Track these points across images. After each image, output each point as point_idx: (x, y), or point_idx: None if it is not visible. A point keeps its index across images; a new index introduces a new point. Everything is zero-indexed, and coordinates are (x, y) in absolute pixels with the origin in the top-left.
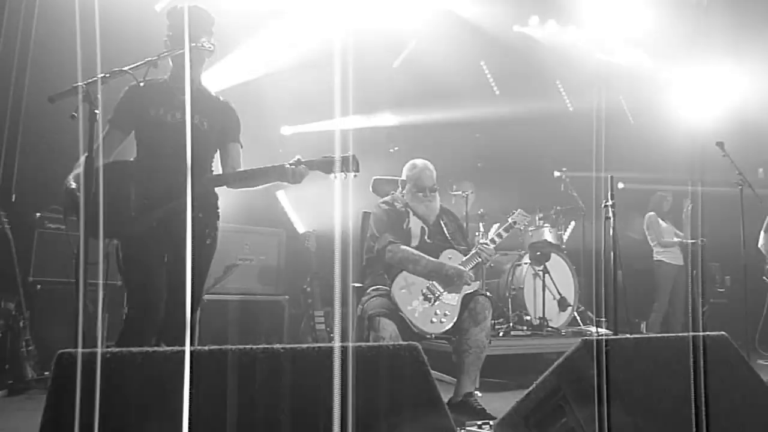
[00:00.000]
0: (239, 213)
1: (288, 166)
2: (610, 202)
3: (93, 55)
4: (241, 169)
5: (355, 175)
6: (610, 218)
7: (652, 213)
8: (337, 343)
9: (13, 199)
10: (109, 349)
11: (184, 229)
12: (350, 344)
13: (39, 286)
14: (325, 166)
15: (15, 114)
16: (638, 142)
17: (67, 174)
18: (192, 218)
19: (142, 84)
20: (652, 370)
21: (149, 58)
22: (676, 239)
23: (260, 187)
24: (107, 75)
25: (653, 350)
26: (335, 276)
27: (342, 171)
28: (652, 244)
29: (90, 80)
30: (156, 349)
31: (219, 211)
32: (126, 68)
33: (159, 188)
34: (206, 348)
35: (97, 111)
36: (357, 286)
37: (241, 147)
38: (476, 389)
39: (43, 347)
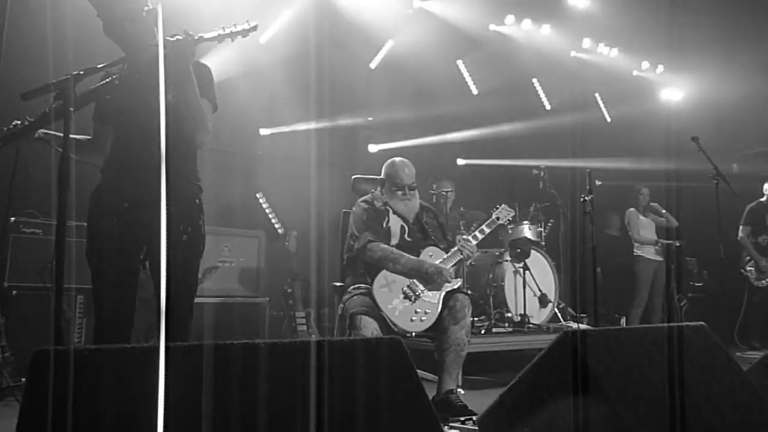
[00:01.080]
0: (218, 215)
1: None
2: (588, 197)
3: (66, 53)
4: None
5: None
6: (588, 213)
7: (632, 209)
8: (313, 337)
9: None
10: (85, 346)
11: (157, 224)
12: (329, 338)
13: (15, 292)
14: (215, 36)
15: None
16: (614, 138)
17: (45, 177)
18: (166, 212)
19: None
20: (632, 361)
21: (121, 56)
22: (653, 237)
23: None
24: (81, 72)
25: (633, 341)
26: (311, 271)
27: (233, 34)
28: (633, 240)
29: (63, 77)
30: (133, 345)
31: (200, 203)
32: (100, 65)
33: (129, 180)
34: (182, 344)
35: (71, 108)
36: (338, 286)
37: (215, 108)
38: (458, 386)
39: (20, 354)
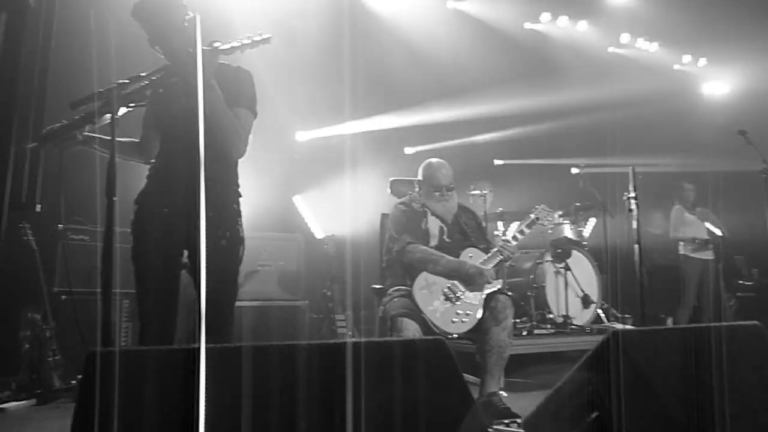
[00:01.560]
0: (257, 219)
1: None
2: (632, 195)
3: (110, 63)
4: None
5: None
6: (632, 210)
7: (678, 206)
8: (350, 339)
9: (38, 210)
10: (133, 348)
11: (196, 229)
12: (373, 339)
13: (64, 297)
14: (232, 48)
15: (38, 124)
16: (657, 134)
17: (91, 184)
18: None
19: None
20: (682, 361)
21: (166, 65)
22: (699, 237)
23: None
24: (126, 81)
25: (683, 341)
26: (347, 275)
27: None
28: (672, 238)
29: (109, 86)
30: (176, 347)
31: (238, 208)
32: (143, 74)
33: (170, 186)
34: (222, 345)
35: (117, 116)
36: (377, 288)
37: (255, 115)
38: (500, 389)
39: (68, 357)
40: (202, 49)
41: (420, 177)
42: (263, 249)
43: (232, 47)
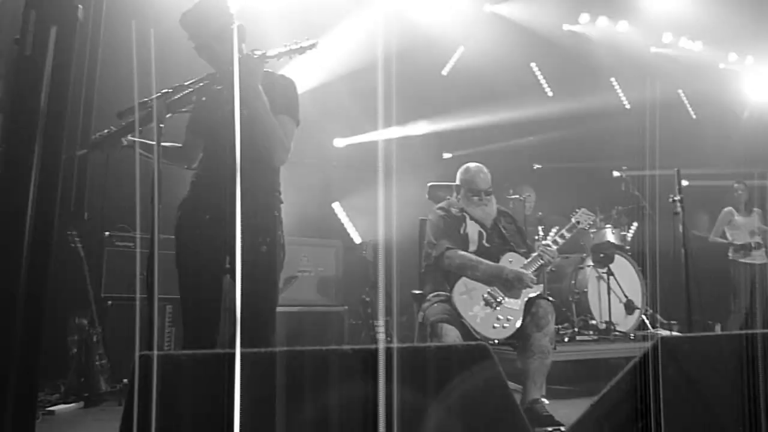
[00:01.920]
0: (296, 225)
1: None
2: (678, 197)
3: (151, 73)
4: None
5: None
6: (678, 213)
7: (728, 209)
8: (387, 344)
9: (86, 218)
10: (179, 352)
11: (241, 234)
12: (415, 345)
13: (110, 302)
14: (279, 54)
15: (85, 134)
16: (701, 136)
17: (131, 192)
18: (242, 222)
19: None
20: (734, 368)
21: (210, 73)
22: (750, 240)
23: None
24: (170, 90)
25: (735, 348)
26: (379, 280)
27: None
28: (727, 241)
29: (155, 95)
30: (218, 351)
31: (279, 215)
32: (187, 83)
33: (212, 193)
34: (261, 350)
35: (162, 125)
36: (416, 294)
37: (297, 123)
38: (543, 396)
39: (114, 360)
40: (249, 55)
41: (458, 182)
42: (302, 255)
43: (279, 53)
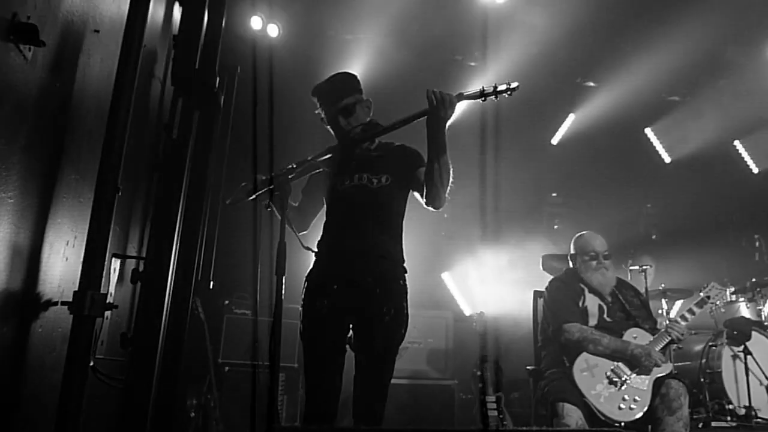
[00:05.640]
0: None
1: (431, 90)
2: None
3: (276, 148)
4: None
5: (510, 93)
6: None
7: None
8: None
9: (211, 287)
10: (306, 426)
11: (365, 303)
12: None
13: (227, 368)
14: (476, 94)
15: (214, 211)
16: None
17: (247, 261)
18: (368, 291)
19: (321, 170)
20: None
21: (329, 146)
22: None
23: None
24: (294, 166)
25: None
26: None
27: (496, 93)
28: None
29: (280, 171)
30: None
31: (404, 284)
32: (310, 158)
33: (337, 262)
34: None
35: (290, 201)
36: (532, 369)
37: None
38: None
39: (228, 426)
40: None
41: (573, 250)
42: (413, 325)
43: (482, 92)
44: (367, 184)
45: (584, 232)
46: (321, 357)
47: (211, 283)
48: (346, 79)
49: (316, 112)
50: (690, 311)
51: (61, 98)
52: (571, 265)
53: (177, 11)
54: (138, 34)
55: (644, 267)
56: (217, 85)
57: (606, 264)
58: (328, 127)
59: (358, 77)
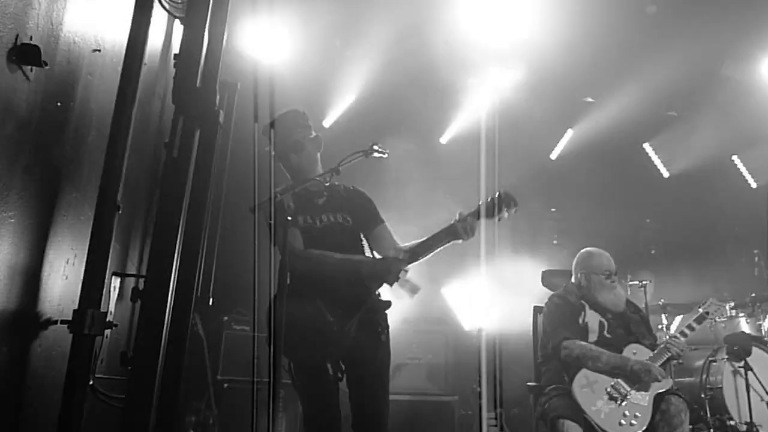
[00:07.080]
0: (405, 311)
1: (456, 222)
2: None
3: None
4: (407, 244)
5: (515, 211)
6: None
7: None
8: None
9: (210, 303)
10: None
11: (358, 334)
12: None
13: (226, 385)
14: (488, 210)
15: (213, 228)
16: None
17: (249, 279)
18: (368, 320)
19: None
20: None
21: (332, 168)
22: None
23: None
24: (295, 189)
25: None
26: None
27: (504, 209)
28: None
29: (284, 191)
30: None
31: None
32: (310, 178)
33: (329, 299)
34: None
35: (289, 218)
36: (532, 385)
37: (386, 223)
38: None
39: None
40: None
41: (581, 268)
42: (412, 342)
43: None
44: (343, 222)
45: (591, 249)
46: (316, 386)
47: (211, 299)
48: (296, 116)
49: (266, 149)
50: (689, 327)
51: (62, 117)
52: (574, 281)
53: (177, 29)
54: (139, 53)
55: (643, 282)
56: (217, 103)
57: (617, 280)
58: (280, 165)
59: (307, 114)
